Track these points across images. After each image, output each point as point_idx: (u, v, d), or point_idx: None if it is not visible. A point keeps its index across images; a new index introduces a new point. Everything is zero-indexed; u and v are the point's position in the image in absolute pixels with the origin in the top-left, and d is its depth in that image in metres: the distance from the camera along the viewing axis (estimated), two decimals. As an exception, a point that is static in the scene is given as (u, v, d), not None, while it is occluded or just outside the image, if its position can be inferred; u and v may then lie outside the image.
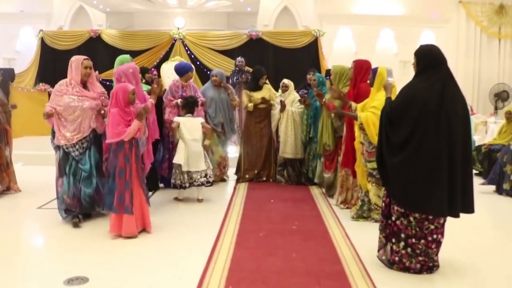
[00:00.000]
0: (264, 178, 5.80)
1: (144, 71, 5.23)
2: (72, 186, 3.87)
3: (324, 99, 4.90)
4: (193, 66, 6.51)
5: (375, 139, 3.60)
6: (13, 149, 5.17)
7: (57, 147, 3.95)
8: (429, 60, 2.85)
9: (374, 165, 3.66)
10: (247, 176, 5.80)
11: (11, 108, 5.23)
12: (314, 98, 5.30)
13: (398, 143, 2.84)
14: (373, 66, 4.23)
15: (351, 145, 4.31)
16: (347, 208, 4.45)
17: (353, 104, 4.14)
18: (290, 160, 5.59)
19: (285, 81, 5.70)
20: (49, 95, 9.56)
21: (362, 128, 3.89)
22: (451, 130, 2.74)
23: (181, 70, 5.30)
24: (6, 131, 4.99)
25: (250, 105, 5.71)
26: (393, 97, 3.13)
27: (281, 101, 5.52)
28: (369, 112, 3.82)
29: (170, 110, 5.13)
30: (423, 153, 2.75)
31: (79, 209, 3.89)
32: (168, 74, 8.79)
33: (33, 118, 9.25)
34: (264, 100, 5.69)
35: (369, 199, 4.03)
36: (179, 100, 5.12)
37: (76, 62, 3.93)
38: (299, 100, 5.45)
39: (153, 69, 5.88)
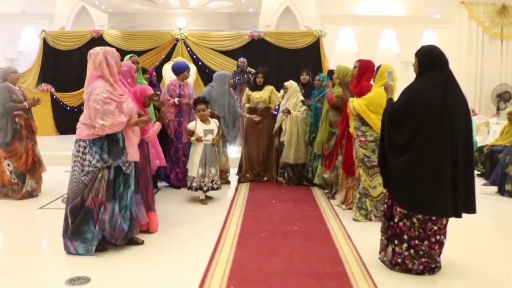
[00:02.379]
0: (266, 179, 5.80)
1: (143, 71, 5.24)
2: (117, 212, 3.21)
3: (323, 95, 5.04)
4: (189, 66, 6.51)
5: (372, 121, 3.97)
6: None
7: (107, 167, 3.15)
8: (431, 61, 2.85)
9: (366, 152, 4.03)
10: (248, 176, 5.80)
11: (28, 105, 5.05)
12: (316, 98, 5.33)
13: (401, 145, 2.83)
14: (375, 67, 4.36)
15: (349, 146, 4.37)
16: (349, 208, 4.45)
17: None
18: (291, 164, 5.59)
19: (285, 83, 5.67)
20: (52, 95, 9.70)
21: (352, 114, 4.12)
22: (454, 130, 2.74)
23: (178, 69, 5.35)
24: (32, 128, 4.94)
25: (246, 105, 5.78)
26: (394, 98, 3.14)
27: (284, 109, 5.49)
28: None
29: (167, 109, 5.12)
30: (426, 154, 2.74)
31: (120, 240, 3.27)
32: (170, 75, 8.79)
33: (35, 119, 9.25)
34: (261, 101, 5.67)
35: (362, 184, 4.10)
36: (176, 99, 5.17)
37: (111, 54, 3.16)
38: (302, 101, 5.47)
39: (151, 70, 5.87)
